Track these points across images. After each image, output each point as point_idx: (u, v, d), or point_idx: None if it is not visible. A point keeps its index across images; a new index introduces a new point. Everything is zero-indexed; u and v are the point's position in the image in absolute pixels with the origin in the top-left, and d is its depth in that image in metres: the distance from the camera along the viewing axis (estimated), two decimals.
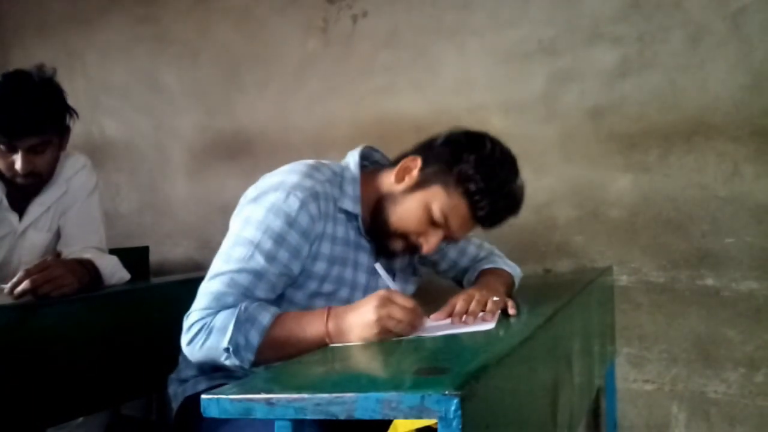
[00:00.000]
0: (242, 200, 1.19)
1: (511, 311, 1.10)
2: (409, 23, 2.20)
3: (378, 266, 1.16)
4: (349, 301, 1.21)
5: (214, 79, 2.55)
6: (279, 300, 1.17)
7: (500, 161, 1.17)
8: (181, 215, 2.62)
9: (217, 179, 2.52)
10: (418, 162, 1.18)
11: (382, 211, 1.19)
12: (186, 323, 1.09)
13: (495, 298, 1.10)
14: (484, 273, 1.37)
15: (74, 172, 1.65)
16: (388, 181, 1.21)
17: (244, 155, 2.47)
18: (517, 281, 1.41)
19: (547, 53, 2.01)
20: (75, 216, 1.64)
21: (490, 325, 1.01)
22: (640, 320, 1.91)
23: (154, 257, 2.41)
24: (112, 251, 1.68)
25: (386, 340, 0.99)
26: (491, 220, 1.18)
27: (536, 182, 1.97)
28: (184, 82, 2.61)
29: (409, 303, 1.01)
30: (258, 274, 1.09)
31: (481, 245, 1.44)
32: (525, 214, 1.97)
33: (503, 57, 2.07)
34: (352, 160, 1.24)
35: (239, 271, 1.09)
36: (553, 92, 2.01)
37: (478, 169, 1.13)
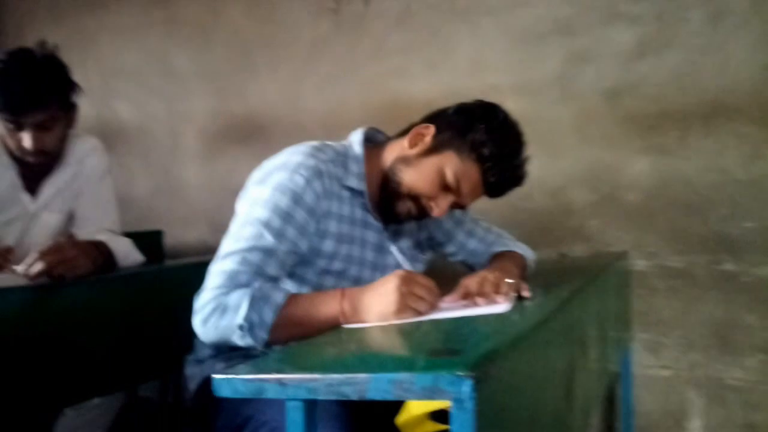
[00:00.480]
0: (248, 183, 1.21)
1: (525, 294, 1.09)
2: (422, 4, 2.17)
3: (394, 248, 1.16)
4: (358, 278, 1.22)
5: (226, 62, 2.54)
6: (289, 278, 1.17)
7: (511, 132, 1.21)
8: (194, 199, 2.63)
9: (229, 162, 2.52)
10: (432, 129, 1.20)
11: (394, 174, 1.20)
12: (198, 303, 1.09)
13: (509, 280, 1.09)
14: (497, 256, 1.37)
15: (85, 153, 1.65)
16: (397, 149, 1.23)
17: (256, 138, 2.46)
18: (530, 264, 1.40)
19: (563, 33, 1.97)
20: (88, 199, 1.64)
21: (503, 307, 1.00)
22: (657, 305, 1.88)
23: (167, 241, 2.42)
24: (126, 235, 1.68)
25: (404, 318, 0.98)
26: (499, 188, 1.21)
27: (552, 165, 1.95)
28: (196, 65, 2.60)
29: (429, 282, 1.02)
30: (269, 252, 1.10)
31: (489, 228, 1.43)
32: (540, 198, 1.98)
33: (518, 37, 2.04)
34: (355, 139, 1.26)
35: (250, 249, 1.10)
36: (569, 73, 1.97)
37: (490, 137, 1.16)
